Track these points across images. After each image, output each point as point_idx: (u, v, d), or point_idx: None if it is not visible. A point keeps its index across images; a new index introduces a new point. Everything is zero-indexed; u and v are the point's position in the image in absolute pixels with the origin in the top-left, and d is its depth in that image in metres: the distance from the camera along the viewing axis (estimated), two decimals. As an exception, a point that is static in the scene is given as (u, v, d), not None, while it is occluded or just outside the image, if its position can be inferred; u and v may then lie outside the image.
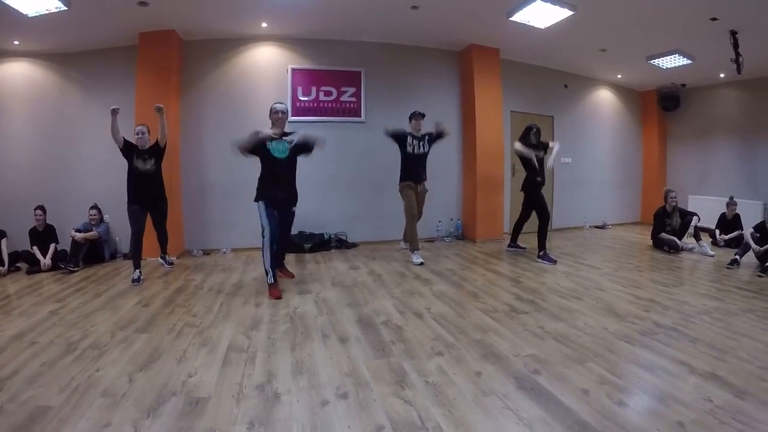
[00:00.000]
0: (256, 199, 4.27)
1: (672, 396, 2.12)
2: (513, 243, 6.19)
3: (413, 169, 5.67)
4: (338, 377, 2.41)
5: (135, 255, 4.82)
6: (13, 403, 2.16)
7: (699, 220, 6.10)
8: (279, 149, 4.25)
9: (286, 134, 4.34)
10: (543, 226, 5.65)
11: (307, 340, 2.99)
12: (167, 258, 5.49)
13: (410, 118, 5.71)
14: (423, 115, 5.68)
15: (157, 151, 4.98)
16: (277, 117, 4.30)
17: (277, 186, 4.27)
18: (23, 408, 2.11)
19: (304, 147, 4.42)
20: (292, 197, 4.49)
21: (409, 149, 5.59)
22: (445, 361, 2.60)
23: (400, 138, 5.60)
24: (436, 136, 5.76)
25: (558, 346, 2.79)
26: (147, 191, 4.91)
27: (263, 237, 4.19)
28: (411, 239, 5.65)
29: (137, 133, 4.91)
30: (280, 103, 4.45)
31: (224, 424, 1.98)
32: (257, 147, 4.18)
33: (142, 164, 4.86)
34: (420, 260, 5.42)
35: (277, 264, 4.49)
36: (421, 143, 5.65)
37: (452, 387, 2.27)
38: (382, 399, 2.16)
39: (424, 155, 5.71)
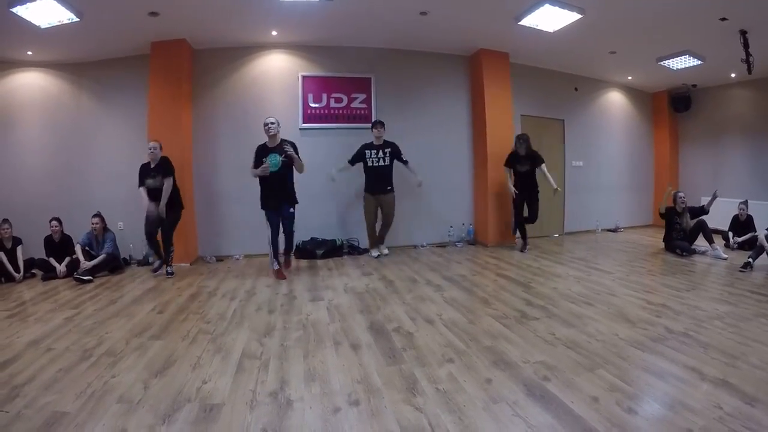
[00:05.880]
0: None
1: (682, 403, 2.11)
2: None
3: (374, 181, 6.18)
4: (350, 384, 2.43)
5: (154, 250, 5.49)
6: (30, 409, 2.20)
7: (709, 208, 6.10)
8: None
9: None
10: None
11: (320, 347, 3.01)
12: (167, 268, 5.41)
13: (371, 127, 6.19)
14: (382, 123, 6.14)
15: (165, 168, 5.26)
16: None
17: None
18: (40, 414, 2.16)
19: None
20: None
21: (369, 162, 6.14)
22: (455, 368, 2.61)
23: (359, 157, 6.17)
24: (398, 156, 6.19)
25: (568, 352, 2.79)
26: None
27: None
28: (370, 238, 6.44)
29: (150, 148, 5.26)
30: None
31: (238, 430, 2.01)
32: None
33: (152, 182, 5.21)
34: (378, 254, 6.27)
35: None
36: (380, 154, 6.11)
37: (462, 394, 2.28)
38: (393, 406, 2.18)
39: (384, 167, 6.14)
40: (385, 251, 6.36)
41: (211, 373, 2.62)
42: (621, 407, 2.09)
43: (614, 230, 8.54)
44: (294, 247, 5.66)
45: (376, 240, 6.40)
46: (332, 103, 6.79)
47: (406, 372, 2.57)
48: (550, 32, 5.86)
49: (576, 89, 8.28)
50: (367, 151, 6.12)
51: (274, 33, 6.11)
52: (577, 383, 2.35)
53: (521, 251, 6.44)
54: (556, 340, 3.00)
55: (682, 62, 7.06)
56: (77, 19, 4.89)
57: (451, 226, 7.18)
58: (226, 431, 2.01)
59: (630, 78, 8.53)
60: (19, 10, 4.58)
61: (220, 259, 6.32)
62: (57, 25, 4.99)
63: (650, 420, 2.00)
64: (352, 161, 6.18)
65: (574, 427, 1.94)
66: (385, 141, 6.14)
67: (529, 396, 2.24)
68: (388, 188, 6.20)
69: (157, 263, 5.50)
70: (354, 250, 6.59)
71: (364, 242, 6.65)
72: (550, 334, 3.12)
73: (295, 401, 2.26)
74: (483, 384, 2.39)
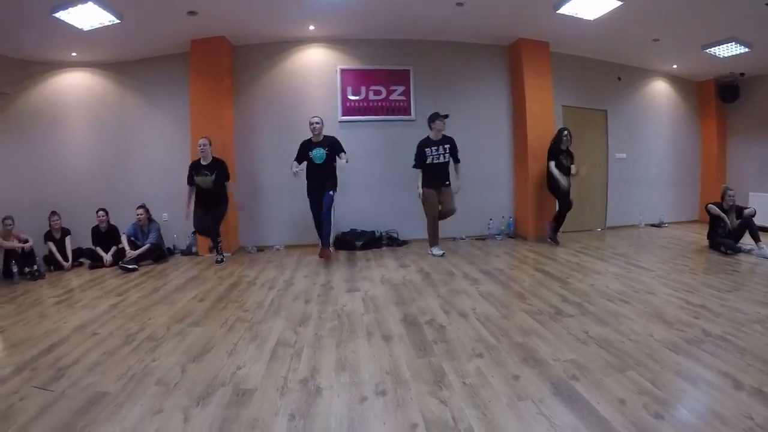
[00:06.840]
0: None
1: (712, 411, 2.04)
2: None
3: (432, 177, 5.77)
4: (379, 375, 2.48)
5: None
6: (74, 389, 2.38)
7: (755, 213, 5.79)
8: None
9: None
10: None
11: (353, 337, 3.08)
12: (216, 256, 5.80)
13: (432, 120, 5.75)
14: (446, 115, 5.73)
15: (222, 172, 5.57)
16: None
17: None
18: (83, 393, 2.33)
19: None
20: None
21: (428, 159, 5.74)
22: (484, 362, 2.62)
23: (422, 159, 5.75)
24: (453, 153, 5.80)
25: (600, 352, 2.73)
26: (207, 201, 5.60)
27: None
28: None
29: (199, 146, 5.49)
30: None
31: (267, 414, 2.10)
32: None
33: (202, 180, 5.49)
34: (442, 252, 5.83)
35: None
36: (439, 150, 5.72)
37: (489, 389, 2.29)
38: (418, 398, 2.22)
39: (443, 164, 5.77)
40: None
41: (246, 359, 2.73)
42: (648, 411, 2.05)
43: (658, 225, 8.25)
44: (330, 238, 5.65)
45: (437, 234, 6.05)
46: (371, 96, 6.82)
47: (435, 365, 2.60)
48: (590, 20, 5.72)
49: (619, 79, 8.00)
50: (426, 149, 5.72)
51: (311, 27, 6.18)
52: (605, 384, 2.31)
53: (555, 239, 6.50)
54: (589, 339, 2.95)
55: (728, 50, 6.74)
56: (118, 21, 5.08)
57: (491, 219, 7.11)
58: (257, 415, 2.10)
59: (675, 66, 8.18)
60: (62, 15, 4.79)
61: (260, 249, 6.49)
62: (99, 27, 5.19)
63: (676, 426, 1.94)
64: (418, 164, 5.79)
65: (598, 429, 1.92)
66: (444, 136, 5.78)
67: (556, 395, 2.22)
68: (447, 183, 5.81)
69: (219, 257, 5.76)
70: (393, 241, 6.61)
71: (404, 234, 6.68)
72: (583, 332, 3.07)
73: (324, 389, 2.33)
74: (510, 380, 2.39)
